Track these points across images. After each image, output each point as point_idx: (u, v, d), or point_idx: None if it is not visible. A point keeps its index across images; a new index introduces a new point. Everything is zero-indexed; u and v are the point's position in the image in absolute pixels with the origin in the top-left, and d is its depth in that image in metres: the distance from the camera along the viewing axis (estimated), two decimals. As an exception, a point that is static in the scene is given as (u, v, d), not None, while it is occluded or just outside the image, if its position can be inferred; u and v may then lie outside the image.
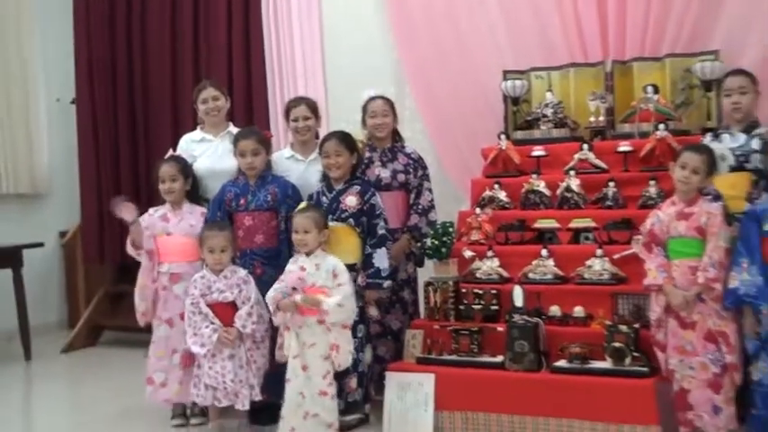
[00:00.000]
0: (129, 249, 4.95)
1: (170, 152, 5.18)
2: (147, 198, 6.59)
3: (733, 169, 4.48)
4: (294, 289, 4.36)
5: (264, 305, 4.48)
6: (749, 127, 4.53)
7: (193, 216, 4.90)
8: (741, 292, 3.95)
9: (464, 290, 4.77)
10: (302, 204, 4.59)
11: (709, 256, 4.02)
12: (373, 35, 6.47)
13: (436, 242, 4.86)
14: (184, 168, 4.97)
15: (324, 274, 4.37)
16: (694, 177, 4.10)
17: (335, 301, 4.29)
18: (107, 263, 7.45)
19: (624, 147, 5.01)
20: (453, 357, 4.57)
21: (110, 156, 7.40)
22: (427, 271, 5.10)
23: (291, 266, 4.44)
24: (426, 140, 6.12)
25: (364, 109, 5.19)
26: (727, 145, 4.50)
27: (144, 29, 7.33)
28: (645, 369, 4.17)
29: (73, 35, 7.57)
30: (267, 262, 4.71)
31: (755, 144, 4.44)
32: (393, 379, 4.61)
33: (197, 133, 5.35)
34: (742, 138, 4.51)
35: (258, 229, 4.79)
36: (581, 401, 4.20)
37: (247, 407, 4.49)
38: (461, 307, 4.74)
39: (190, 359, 4.66)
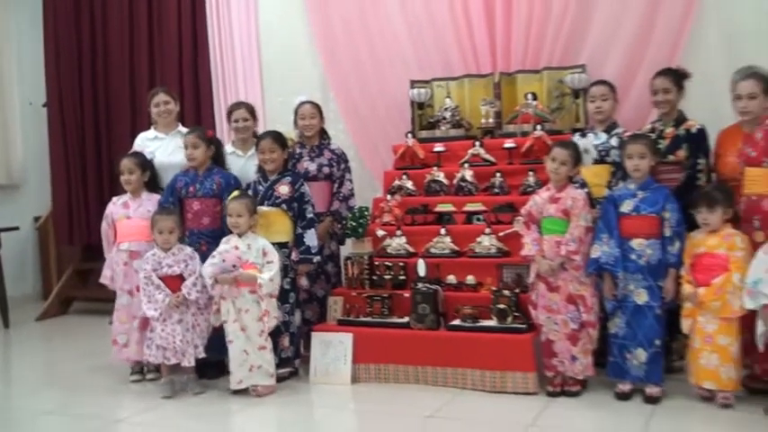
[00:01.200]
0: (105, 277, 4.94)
1: (132, 150, 5.15)
2: (109, 188, 6.51)
3: (596, 162, 4.58)
4: (234, 266, 4.38)
5: (207, 278, 4.50)
6: (610, 128, 4.64)
7: (151, 203, 4.83)
8: (602, 261, 4.06)
9: (377, 263, 4.82)
10: (235, 192, 4.57)
11: (570, 233, 4.11)
12: (302, 49, 6.41)
13: (354, 223, 4.92)
14: (142, 162, 4.90)
15: (255, 252, 4.40)
16: (563, 168, 4.19)
17: (268, 277, 4.33)
18: (75, 243, 7.32)
19: (509, 144, 5.10)
20: (368, 319, 4.63)
21: (77, 151, 7.24)
22: (347, 248, 5.15)
23: (225, 246, 4.45)
24: (348, 138, 6.09)
25: (295, 112, 5.18)
26: (591, 142, 4.61)
27: (106, 42, 7.17)
28: (524, 326, 4.27)
29: (43, 45, 7.37)
30: (212, 241, 4.65)
31: (614, 141, 4.55)
32: (318, 338, 4.65)
33: (151, 132, 5.27)
34: (603, 136, 4.62)
35: (204, 212, 4.76)
36: (472, 353, 4.30)
37: (192, 363, 4.47)
38: (375, 277, 4.78)
39: (145, 323, 4.61)
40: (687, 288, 3.96)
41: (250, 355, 4.37)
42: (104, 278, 4.91)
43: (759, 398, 3.91)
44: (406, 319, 4.52)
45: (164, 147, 5.16)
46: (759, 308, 3.75)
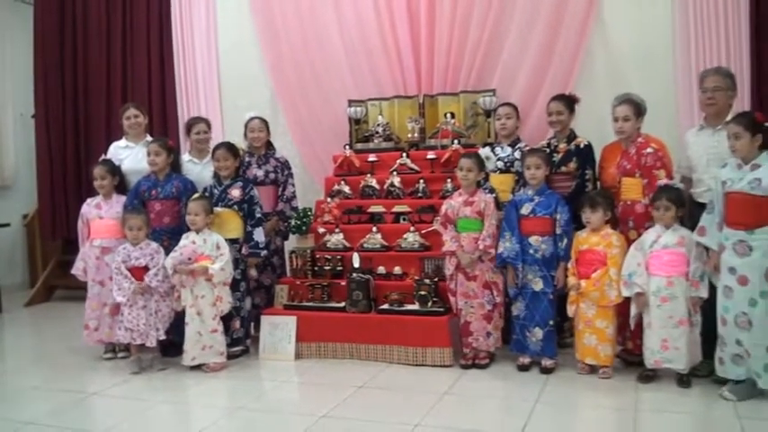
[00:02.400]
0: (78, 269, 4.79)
1: (102, 157, 5.00)
2: (87, 190, 6.32)
3: (502, 172, 4.60)
4: (189, 259, 4.32)
5: (170, 268, 4.40)
6: (514, 142, 4.68)
7: (120, 204, 4.70)
8: (505, 255, 4.09)
9: (318, 256, 4.78)
10: (195, 195, 4.50)
11: (486, 230, 4.14)
12: (256, 72, 6.30)
13: (299, 222, 4.86)
14: (112, 169, 4.78)
15: (209, 246, 4.35)
16: (470, 174, 4.20)
17: (219, 266, 4.29)
18: (57, 238, 7.09)
19: (431, 155, 5.09)
20: (310, 304, 4.60)
21: (59, 157, 7.02)
22: (292, 242, 5.08)
23: (185, 241, 4.39)
24: (294, 149, 6.02)
25: (245, 126, 5.10)
26: (498, 154, 4.63)
27: (86, 63, 6.97)
28: (441, 309, 4.30)
29: (32, 65, 7.13)
30: (172, 237, 4.57)
31: (518, 154, 4.57)
32: (266, 320, 4.60)
33: (122, 142, 5.12)
34: (509, 150, 4.65)
35: (166, 213, 4.66)
36: (398, 332, 4.30)
37: (154, 344, 4.40)
38: (316, 268, 4.75)
39: (116, 309, 4.53)
40: (572, 280, 4.02)
41: (203, 336, 4.32)
42: (76, 270, 4.78)
43: (633, 369, 3.99)
44: (342, 304, 4.50)
45: (133, 155, 5.02)
46: (633, 295, 3.82)
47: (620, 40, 5.29)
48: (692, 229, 3.75)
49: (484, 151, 4.48)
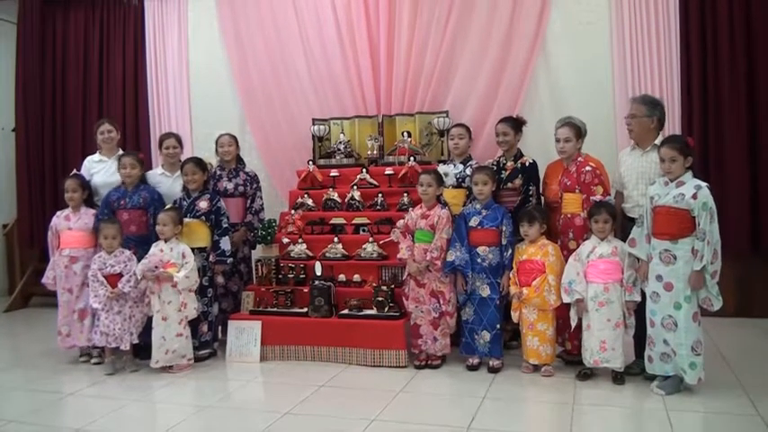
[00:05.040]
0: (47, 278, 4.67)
1: (74, 171, 4.90)
2: (62, 202, 6.21)
3: (455, 187, 4.61)
4: (156, 267, 4.26)
5: (141, 274, 4.34)
6: (466, 160, 4.68)
7: (87, 216, 4.61)
8: (456, 263, 4.10)
9: (282, 264, 4.75)
10: (168, 206, 4.44)
11: (434, 243, 4.15)
12: (225, 91, 6.27)
13: (264, 232, 4.82)
14: (83, 183, 4.69)
15: (176, 254, 4.29)
16: (430, 189, 4.22)
17: (183, 274, 4.23)
18: (35, 247, 6.88)
19: (389, 171, 5.11)
20: (274, 309, 4.56)
21: (38, 170, 6.86)
22: (257, 252, 5.05)
23: (154, 249, 4.33)
24: (260, 164, 5.99)
25: (216, 142, 5.06)
26: (451, 170, 4.68)
27: (64, 81, 6.86)
28: (397, 314, 4.29)
29: (14, 82, 6.96)
30: (138, 244, 4.50)
31: (468, 171, 4.57)
32: (233, 325, 4.55)
33: (96, 156, 5.01)
34: (461, 167, 4.65)
35: (133, 222, 4.58)
36: (357, 335, 4.29)
37: (128, 347, 4.32)
38: (280, 276, 4.71)
39: (84, 313, 4.47)
40: (513, 289, 4.05)
41: (167, 341, 4.26)
42: (47, 278, 4.66)
43: (572, 367, 4.04)
44: (305, 310, 4.47)
45: (106, 168, 4.91)
46: (573, 301, 3.87)
47: (563, 68, 5.40)
48: (623, 240, 3.82)
49: (443, 168, 4.50)
